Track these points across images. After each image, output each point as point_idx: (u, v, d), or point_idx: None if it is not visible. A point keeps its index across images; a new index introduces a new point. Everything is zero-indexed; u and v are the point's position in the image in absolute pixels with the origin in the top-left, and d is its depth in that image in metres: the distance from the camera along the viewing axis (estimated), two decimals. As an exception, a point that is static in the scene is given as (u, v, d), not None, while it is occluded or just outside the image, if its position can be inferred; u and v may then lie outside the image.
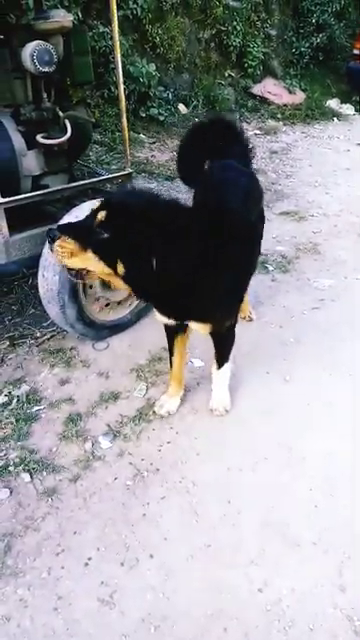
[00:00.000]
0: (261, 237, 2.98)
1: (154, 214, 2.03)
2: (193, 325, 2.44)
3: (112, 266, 2.04)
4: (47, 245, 2.56)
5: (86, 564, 2.06)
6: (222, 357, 2.67)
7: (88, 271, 2.11)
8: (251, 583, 1.99)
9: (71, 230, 2.04)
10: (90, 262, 2.03)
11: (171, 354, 2.71)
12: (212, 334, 2.54)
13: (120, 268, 2.04)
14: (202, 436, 2.63)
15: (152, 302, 2.40)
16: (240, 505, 2.28)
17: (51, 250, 2.05)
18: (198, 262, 2.14)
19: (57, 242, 1.99)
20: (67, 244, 1.99)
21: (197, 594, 1.95)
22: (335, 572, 2.02)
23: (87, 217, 2.09)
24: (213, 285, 2.27)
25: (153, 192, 2.22)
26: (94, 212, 2.03)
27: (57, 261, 2.11)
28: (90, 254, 2.01)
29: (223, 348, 2.65)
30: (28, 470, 2.45)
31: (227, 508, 2.27)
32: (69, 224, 2.13)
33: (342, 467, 2.45)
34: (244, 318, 3.42)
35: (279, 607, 1.91)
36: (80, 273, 2.14)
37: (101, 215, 1.99)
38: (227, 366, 2.69)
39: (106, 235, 1.99)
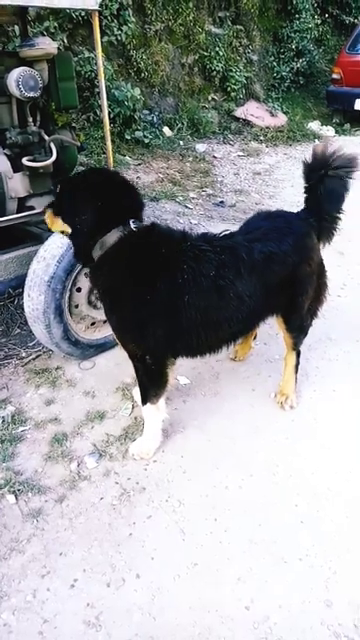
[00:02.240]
0: (264, 306, 2.59)
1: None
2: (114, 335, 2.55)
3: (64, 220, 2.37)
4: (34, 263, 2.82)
5: (72, 586, 2.04)
6: (142, 392, 2.57)
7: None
8: (239, 601, 1.98)
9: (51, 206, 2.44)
10: (59, 225, 2.38)
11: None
12: (131, 359, 2.53)
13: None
14: (188, 454, 2.64)
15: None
16: (227, 523, 2.29)
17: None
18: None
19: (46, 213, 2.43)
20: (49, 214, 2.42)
21: (184, 613, 1.94)
22: (322, 588, 2.02)
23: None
24: (118, 294, 2.35)
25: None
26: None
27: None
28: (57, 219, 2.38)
29: (142, 380, 2.57)
30: (13, 491, 2.43)
31: (214, 526, 2.27)
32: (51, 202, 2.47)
33: (327, 483, 2.46)
34: (234, 358, 3.34)
35: (267, 625, 1.91)
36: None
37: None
38: (151, 408, 2.55)
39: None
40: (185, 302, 2.31)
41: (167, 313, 2.32)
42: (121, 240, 2.28)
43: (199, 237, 2.45)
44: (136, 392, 2.96)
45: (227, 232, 2.53)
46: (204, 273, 2.30)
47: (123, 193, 2.34)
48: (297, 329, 2.83)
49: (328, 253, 4.88)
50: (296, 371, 2.96)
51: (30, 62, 3.01)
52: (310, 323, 2.90)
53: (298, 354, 2.94)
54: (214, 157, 7.94)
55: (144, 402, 2.58)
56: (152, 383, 2.53)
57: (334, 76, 10.33)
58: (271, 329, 3.62)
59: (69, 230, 2.36)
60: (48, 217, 2.42)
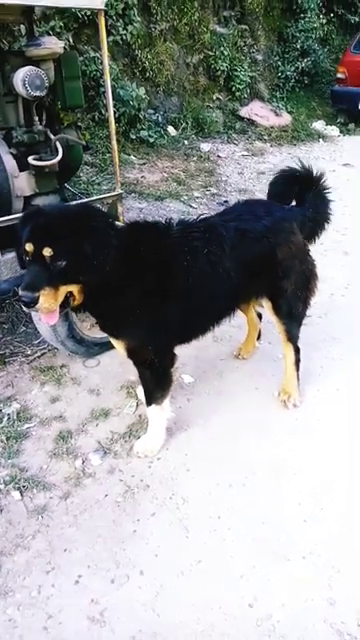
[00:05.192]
0: (251, 290, 2.76)
1: (87, 222, 2.13)
2: (112, 341, 2.52)
3: (77, 280, 2.13)
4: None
5: (76, 582, 2.06)
6: (147, 394, 2.59)
7: (70, 297, 2.18)
8: (242, 598, 1.99)
9: (39, 282, 2.03)
10: (64, 292, 2.12)
11: None
12: (134, 364, 2.53)
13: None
14: (192, 452, 2.65)
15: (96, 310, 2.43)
16: (230, 521, 2.29)
17: (36, 311, 2.10)
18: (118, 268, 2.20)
19: (41, 300, 2.02)
20: (48, 295, 2.03)
21: (188, 610, 1.95)
22: (325, 586, 2.03)
23: (32, 264, 2.06)
24: (127, 298, 2.31)
25: (59, 206, 2.43)
26: (36, 253, 2.03)
27: (45, 315, 2.11)
28: (62, 287, 2.09)
29: (145, 384, 2.59)
30: (18, 488, 2.44)
31: (217, 524, 2.28)
32: (31, 280, 2.05)
33: (331, 481, 2.47)
34: (237, 356, 3.40)
35: (270, 622, 1.92)
36: (68, 302, 2.19)
37: (48, 251, 2.01)
38: (156, 409, 2.59)
39: (63, 263, 2.04)
40: (191, 282, 2.40)
41: (179, 299, 2.40)
42: (120, 249, 2.22)
43: (180, 222, 2.54)
44: (140, 390, 2.97)
45: (204, 215, 2.66)
46: (199, 251, 2.42)
47: (89, 207, 2.38)
48: (286, 315, 2.82)
49: (333, 253, 4.91)
50: (297, 369, 2.96)
51: (36, 61, 3.02)
52: (302, 312, 2.88)
53: (297, 350, 2.94)
54: (218, 156, 7.95)
55: (149, 404, 2.59)
56: (158, 385, 2.55)
57: (339, 76, 10.33)
58: (274, 328, 3.63)
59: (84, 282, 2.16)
60: (48, 297, 2.04)
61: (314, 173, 2.87)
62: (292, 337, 2.89)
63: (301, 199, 2.91)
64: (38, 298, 2.01)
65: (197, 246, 2.43)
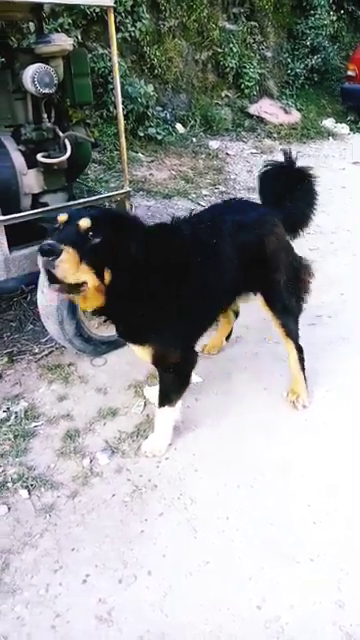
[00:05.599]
0: (247, 286, 2.77)
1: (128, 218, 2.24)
2: (136, 349, 2.46)
3: (101, 275, 2.05)
4: (42, 262, 1.98)
5: (84, 581, 2.05)
6: (162, 396, 2.57)
7: (82, 286, 2.05)
8: (250, 600, 1.98)
9: (69, 241, 1.92)
10: (84, 275, 2.00)
11: None
12: (158, 367, 2.52)
13: (107, 275, 2.06)
14: (200, 452, 2.64)
15: (116, 320, 2.39)
16: (238, 521, 2.28)
17: (51, 267, 1.91)
18: (143, 275, 2.19)
19: (63, 255, 1.90)
20: (72, 256, 1.93)
21: (196, 611, 1.94)
22: (334, 588, 2.01)
23: (66, 229, 2.01)
24: (152, 304, 2.29)
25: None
26: (72, 222, 2.01)
27: (62, 277, 1.95)
28: (84, 266, 1.98)
29: (164, 386, 2.56)
30: (26, 486, 2.44)
31: (225, 524, 2.27)
32: (63, 235, 1.96)
33: (340, 483, 2.45)
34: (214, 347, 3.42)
35: (278, 624, 1.90)
36: (76, 288, 2.06)
37: (85, 222, 1.97)
38: (168, 410, 2.58)
39: (97, 240, 1.99)
40: (209, 275, 2.46)
41: (202, 294, 2.45)
42: (150, 252, 2.21)
43: (184, 219, 2.56)
44: (147, 390, 2.96)
45: (194, 210, 2.72)
46: (210, 243, 2.48)
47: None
48: (281, 309, 2.80)
49: (343, 252, 4.88)
50: (302, 368, 2.93)
51: (45, 59, 3.02)
52: (297, 306, 2.87)
53: (299, 349, 2.92)
54: (227, 154, 7.91)
55: (162, 405, 2.57)
56: (180, 387, 2.55)
57: (349, 73, 10.24)
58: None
59: (109, 276, 2.07)
60: (71, 258, 1.93)
61: (294, 172, 2.97)
62: (290, 332, 2.87)
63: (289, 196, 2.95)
64: (62, 252, 1.90)
65: (207, 239, 2.48)
